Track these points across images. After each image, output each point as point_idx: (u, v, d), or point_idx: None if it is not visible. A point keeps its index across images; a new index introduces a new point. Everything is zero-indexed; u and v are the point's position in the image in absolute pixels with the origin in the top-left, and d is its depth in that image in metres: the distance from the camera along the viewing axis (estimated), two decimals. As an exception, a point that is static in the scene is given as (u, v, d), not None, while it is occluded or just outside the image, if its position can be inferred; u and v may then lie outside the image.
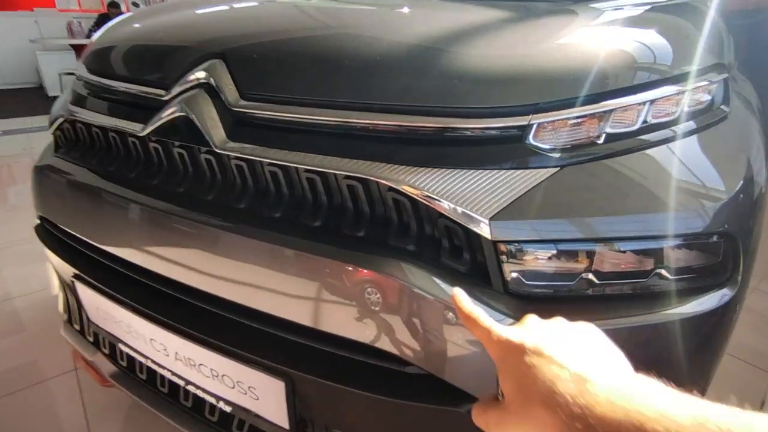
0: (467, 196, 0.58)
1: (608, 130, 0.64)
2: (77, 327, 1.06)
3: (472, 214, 0.57)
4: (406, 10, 0.90)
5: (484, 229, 0.56)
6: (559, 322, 0.37)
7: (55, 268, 1.04)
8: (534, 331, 0.35)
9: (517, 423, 0.32)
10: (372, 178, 0.60)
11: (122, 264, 0.80)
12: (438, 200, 0.57)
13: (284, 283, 0.63)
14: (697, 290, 0.63)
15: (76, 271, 0.88)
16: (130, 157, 0.83)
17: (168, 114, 0.73)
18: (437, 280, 0.57)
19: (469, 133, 0.61)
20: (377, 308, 0.58)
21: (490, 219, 0.56)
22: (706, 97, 0.75)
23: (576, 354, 0.32)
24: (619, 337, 0.59)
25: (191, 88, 0.74)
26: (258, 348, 0.68)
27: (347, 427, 0.69)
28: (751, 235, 0.68)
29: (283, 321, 0.64)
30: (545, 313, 0.59)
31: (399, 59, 0.66)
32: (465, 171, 0.59)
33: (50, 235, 0.98)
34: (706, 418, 0.24)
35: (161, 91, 0.78)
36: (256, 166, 0.69)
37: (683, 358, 0.62)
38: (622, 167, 0.63)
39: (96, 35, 1.10)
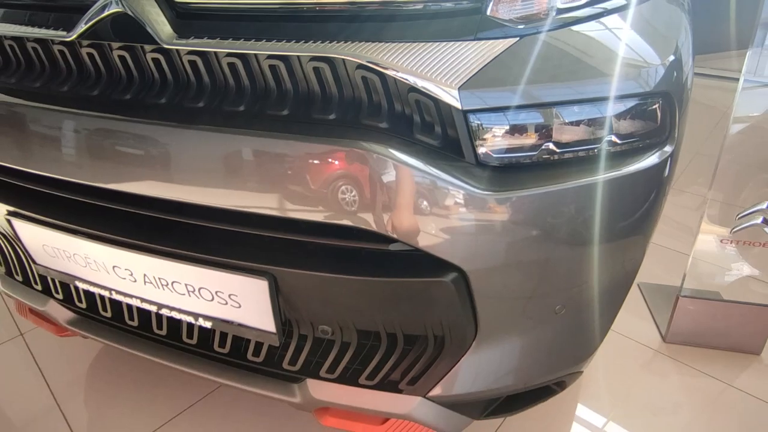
0: (435, 68, 0.58)
1: (558, 4, 0.66)
2: (19, 278, 0.98)
3: (442, 86, 0.58)
4: None
5: (454, 99, 0.58)
6: None
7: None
8: None
9: None
10: (339, 56, 0.58)
11: (70, 189, 0.74)
12: (407, 74, 0.57)
13: (257, 176, 0.61)
14: (643, 149, 0.69)
15: (13, 209, 0.80)
16: (58, 69, 0.75)
17: (101, 12, 0.65)
18: (412, 151, 0.58)
19: (431, 5, 0.60)
20: (355, 188, 0.58)
21: (459, 88, 0.58)
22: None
23: None
24: (581, 195, 0.65)
25: (122, -18, 0.67)
26: (235, 250, 0.66)
27: (334, 319, 0.71)
28: (683, 95, 0.75)
29: (259, 217, 0.63)
30: (513, 180, 0.63)
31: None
32: (430, 44, 0.59)
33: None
34: None
35: (87, -12, 0.69)
36: (210, 60, 0.65)
37: (638, 207, 0.69)
38: (573, 37, 0.66)
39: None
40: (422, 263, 0.62)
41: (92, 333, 0.93)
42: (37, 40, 0.73)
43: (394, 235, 0.60)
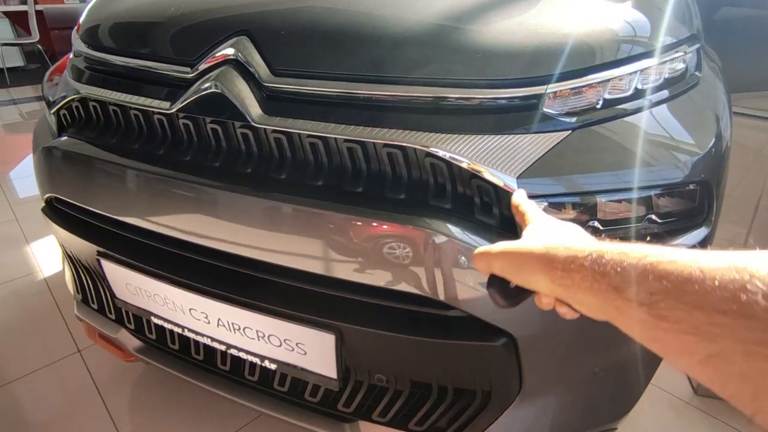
0: (496, 158, 0.66)
1: (606, 96, 0.74)
2: (95, 306, 1.08)
3: (502, 174, 0.65)
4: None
5: (512, 187, 0.65)
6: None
7: (67, 249, 1.04)
8: (554, 225, 0.47)
9: (522, 260, 0.41)
10: (411, 145, 0.66)
11: (156, 239, 0.83)
12: (471, 163, 0.65)
13: (331, 246, 0.69)
14: (682, 230, 0.75)
15: (103, 250, 0.90)
16: (153, 134, 0.85)
17: (201, 90, 0.75)
18: (472, 233, 0.66)
19: (495, 101, 0.68)
20: (418, 260, 0.66)
21: (517, 177, 0.65)
22: (681, 66, 0.86)
23: (571, 235, 0.43)
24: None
25: (218, 65, 0.76)
26: (308, 306, 0.74)
27: (390, 371, 0.78)
28: (721, 182, 0.80)
29: (332, 279, 0.71)
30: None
31: (430, 34, 0.72)
32: (493, 136, 0.67)
33: (63, 215, 0.98)
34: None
35: (186, 68, 0.79)
36: (294, 138, 0.74)
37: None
38: (619, 129, 0.73)
39: (89, 6, 1.07)
40: (476, 328, 0.69)
41: (157, 361, 1.02)
42: (140, 109, 0.84)
43: (453, 304, 0.67)
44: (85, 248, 0.95)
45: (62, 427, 1.24)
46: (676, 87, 0.82)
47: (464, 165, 0.65)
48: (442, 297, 0.67)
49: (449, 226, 0.65)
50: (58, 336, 1.55)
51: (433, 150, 0.65)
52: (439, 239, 0.64)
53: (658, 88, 0.79)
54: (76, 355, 1.47)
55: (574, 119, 0.71)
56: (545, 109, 0.70)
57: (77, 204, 0.91)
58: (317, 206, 0.69)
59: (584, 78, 0.71)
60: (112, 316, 1.05)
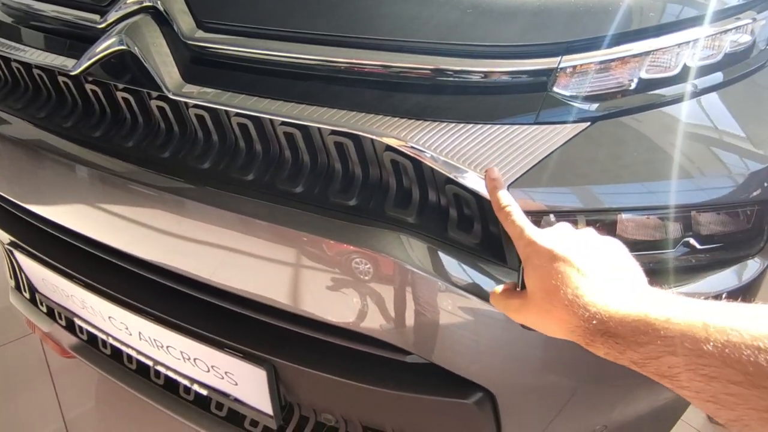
0: (482, 157, 0.47)
1: (643, 75, 0.54)
2: (27, 295, 0.95)
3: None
4: None
5: (501, 196, 0.47)
6: (588, 232, 0.39)
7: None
8: (565, 239, 0.37)
9: (537, 315, 0.37)
10: (366, 135, 0.48)
11: (65, 232, 0.68)
12: (448, 162, 0.47)
13: (258, 259, 0.53)
14: (726, 262, 0.56)
15: (12, 239, 0.75)
16: (64, 102, 0.68)
17: (104, 48, 0.58)
18: (442, 258, 0.48)
19: (485, 78, 0.49)
20: (370, 289, 0.49)
21: (509, 186, 0.47)
22: (748, 38, 0.64)
23: (600, 266, 0.35)
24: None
25: (133, 12, 0.58)
26: (233, 333, 0.59)
27: (338, 413, 0.63)
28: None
29: (264, 304, 0.55)
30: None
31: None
32: (480, 126, 0.48)
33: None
34: (703, 312, 0.28)
35: (95, 16, 0.62)
36: (221, 116, 0.56)
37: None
38: (658, 122, 0.53)
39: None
40: (442, 379, 0.53)
41: (93, 363, 0.89)
42: (43, 68, 0.67)
43: (410, 349, 0.51)
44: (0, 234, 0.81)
45: (6, 400, 1.15)
46: (738, 67, 0.61)
47: (437, 164, 0.47)
48: (395, 339, 0.50)
49: (409, 246, 0.48)
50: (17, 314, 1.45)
51: (395, 142, 0.47)
52: (395, 265, 0.47)
53: (715, 68, 0.59)
54: (32, 335, 1.37)
55: (596, 105, 0.51)
56: (558, 90, 0.50)
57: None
58: (243, 210, 0.52)
59: (614, 49, 0.51)
60: (44, 309, 0.92)
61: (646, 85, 0.53)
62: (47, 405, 1.16)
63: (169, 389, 0.79)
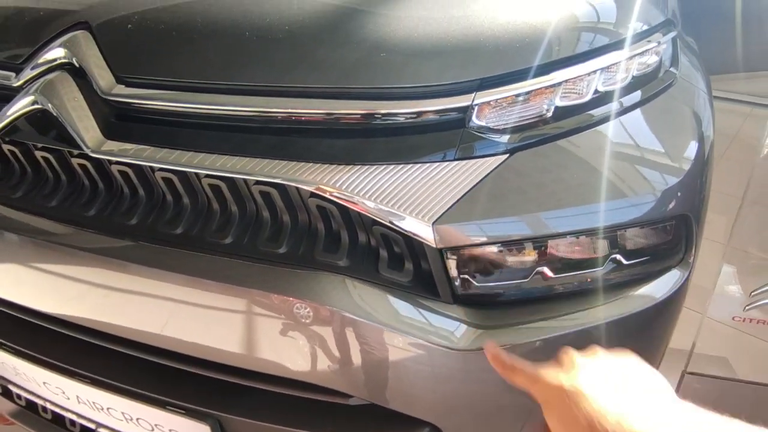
0: (405, 196, 0.48)
1: (557, 103, 0.56)
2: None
3: (412, 219, 0.48)
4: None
5: (427, 236, 0.48)
6: (598, 357, 0.38)
7: None
8: (573, 372, 0.36)
9: None
10: (288, 183, 0.48)
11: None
12: (370, 204, 0.48)
13: (193, 313, 0.52)
14: (650, 275, 0.59)
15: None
16: (-19, 164, 0.66)
17: (19, 107, 0.56)
18: (376, 298, 0.49)
19: (401, 119, 0.51)
20: (304, 336, 0.49)
21: (434, 223, 0.48)
22: (654, 60, 0.69)
23: (615, 391, 0.33)
24: (578, 338, 0.55)
25: (49, 69, 0.57)
26: (173, 390, 0.57)
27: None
28: (702, 210, 0.65)
29: (199, 357, 0.54)
30: (498, 317, 0.54)
31: (314, 27, 0.53)
32: (400, 166, 0.49)
33: None
34: None
35: (9, 74, 0.60)
36: (145, 171, 0.55)
37: (643, 344, 0.59)
38: (574, 148, 0.56)
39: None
40: (388, 419, 0.53)
41: (33, 429, 0.84)
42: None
43: (353, 392, 0.50)
44: None
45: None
46: (647, 88, 0.65)
47: (361, 208, 0.48)
48: (334, 383, 0.50)
49: (342, 290, 0.48)
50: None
51: (317, 189, 0.48)
52: (328, 311, 0.47)
53: (625, 91, 0.62)
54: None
55: (513, 137, 0.53)
56: (475, 125, 0.52)
57: None
58: (173, 265, 0.51)
59: (526, 82, 0.53)
60: (-22, 376, 0.86)
61: (561, 113, 0.56)
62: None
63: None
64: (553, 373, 0.37)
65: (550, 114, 0.56)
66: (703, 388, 1.19)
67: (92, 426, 0.70)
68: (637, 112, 0.62)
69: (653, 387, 0.35)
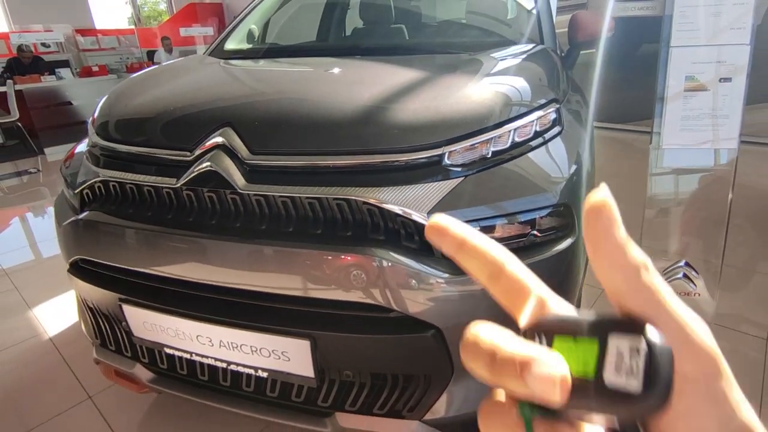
0: (413, 201, 0.94)
1: (492, 149, 1.04)
2: (112, 347, 1.30)
3: (417, 212, 0.93)
4: (355, 75, 1.26)
5: (424, 220, 0.93)
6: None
7: (88, 302, 1.27)
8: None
9: None
10: (352, 197, 0.94)
11: (168, 283, 1.08)
12: (395, 206, 0.93)
13: (301, 274, 0.95)
14: (555, 240, 1.04)
15: (123, 296, 1.14)
16: (162, 203, 1.11)
17: (200, 168, 1.03)
18: (402, 255, 0.93)
19: (408, 162, 0.98)
20: (366, 278, 0.92)
21: (427, 213, 0.93)
22: (552, 116, 1.18)
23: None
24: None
25: (210, 149, 1.05)
26: (285, 320, 0.99)
27: (354, 366, 1.03)
28: (581, 202, 1.11)
29: (304, 299, 0.97)
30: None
31: (357, 115, 1.02)
32: (409, 186, 0.96)
33: (86, 273, 1.22)
34: None
35: (186, 152, 1.07)
36: (270, 199, 1.01)
37: (558, 283, 1.03)
38: (501, 171, 1.03)
39: (100, 104, 1.35)
40: (411, 324, 0.95)
41: (167, 388, 1.23)
42: (152, 186, 1.11)
43: (391, 307, 0.93)
44: (107, 297, 1.18)
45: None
46: (546, 135, 1.14)
47: (390, 208, 0.94)
48: (382, 302, 0.93)
49: (385, 251, 0.92)
50: (69, 386, 1.73)
51: (368, 200, 0.94)
52: (379, 261, 0.91)
53: (531, 138, 1.11)
54: (87, 401, 1.65)
55: (467, 168, 1.00)
56: (446, 162, 1.00)
57: (101, 262, 1.15)
58: (289, 246, 0.96)
59: (472, 139, 1.01)
60: (128, 354, 1.27)
61: (494, 153, 1.04)
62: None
63: (234, 386, 1.15)
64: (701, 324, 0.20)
65: (489, 154, 1.03)
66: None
67: (223, 365, 1.11)
68: (541, 149, 1.10)
69: None
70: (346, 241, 0.95)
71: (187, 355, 1.14)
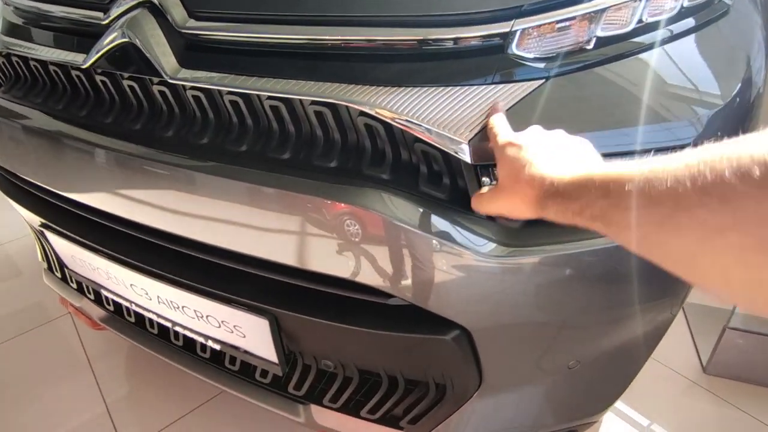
0: (445, 116, 0.53)
1: (599, 33, 0.58)
2: (58, 274, 1.05)
3: (451, 136, 0.52)
4: None
5: (463, 153, 0.52)
6: (557, 131, 0.47)
7: (24, 217, 0.99)
8: (528, 135, 0.46)
9: (506, 198, 0.45)
10: (340, 102, 0.54)
11: (87, 210, 0.76)
12: (414, 123, 0.53)
13: (255, 221, 0.60)
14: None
15: (43, 221, 0.84)
16: (77, 93, 0.76)
17: (109, 41, 0.64)
18: (415, 209, 0.54)
19: (445, 44, 0.54)
20: (354, 241, 0.55)
21: (469, 141, 0.52)
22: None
23: (557, 148, 0.44)
24: (599, 255, 0.59)
25: (132, 8, 0.65)
26: (237, 288, 0.66)
27: (335, 358, 0.70)
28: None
29: (258, 259, 0.62)
30: (529, 237, 0.58)
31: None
32: (441, 88, 0.54)
33: (10, 183, 0.92)
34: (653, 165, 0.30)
35: (99, 14, 0.68)
36: (214, 96, 0.63)
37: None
38: (613, 75, 0.58)
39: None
40: (422, 318, 0.59)
41: (121, 332, 0.98)
42: (57, 64, 0.74)
43: (393, 292, 0.57)
44: (31, 218, 0.90)
45: (50, 384, 1.26)
46: (696, 18, 0.65)
47: (404, 126, 0.53)
48: (380, 284, 0.57)
49: (385, 200, 0.54)
50: (49, 297, 1.56)
51: (364, 108, 0.53)
52: (373, 217, 0.53)
53: (673, 20, 0.62)
54: (66, 316, 1.48)
55: (551, 64, 0.56)
56: (515, 52, 0.55)
57: (14, 173, 0.85)
58: (237, 176, 0.59)
59: (567, 9, 0.55)
60: (74, 286, 1.02)
61: (603, 42, 0.58)
62: (88, 391, 1.25)
63: (187, 349, 0.88)
64: (514, 134, 0.47)
65: (591, 44, 0.57)
66: (746, 342, 1.18)
67: (168, 324, 0.82)
68: (686, 41, 0.63)
69: (582, 151, 0.44)
70: (326, 177, 0.57)
71: (127, 304, 0.86)
